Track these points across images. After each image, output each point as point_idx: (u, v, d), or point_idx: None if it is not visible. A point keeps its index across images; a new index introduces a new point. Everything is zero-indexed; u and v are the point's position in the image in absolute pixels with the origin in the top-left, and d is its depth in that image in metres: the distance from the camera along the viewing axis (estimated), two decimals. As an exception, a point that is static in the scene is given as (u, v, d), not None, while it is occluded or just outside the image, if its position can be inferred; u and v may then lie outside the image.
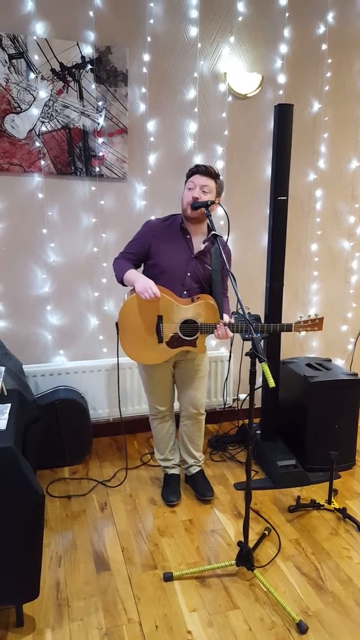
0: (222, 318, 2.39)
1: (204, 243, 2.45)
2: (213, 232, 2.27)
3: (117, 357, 2.74)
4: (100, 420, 3.32)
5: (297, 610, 1.99)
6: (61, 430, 2.95)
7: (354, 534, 2.46)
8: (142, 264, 2.53)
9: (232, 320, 2.39)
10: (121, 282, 2.45)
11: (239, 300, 2.05)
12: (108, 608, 1.99)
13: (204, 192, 2.33)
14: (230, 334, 2.35)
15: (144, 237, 2.47)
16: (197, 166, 2.36)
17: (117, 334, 2.44)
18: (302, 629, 1.89)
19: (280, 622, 1.94)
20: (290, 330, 2.43)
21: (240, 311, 2.08)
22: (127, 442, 3.33)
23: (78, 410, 2.97)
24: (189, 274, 2.42)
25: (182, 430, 2.77)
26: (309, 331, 2.49)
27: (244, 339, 2.20)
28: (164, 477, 2.82)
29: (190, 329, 2.40)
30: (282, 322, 3.04)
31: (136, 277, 2.37)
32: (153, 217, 3.13)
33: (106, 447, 3.27)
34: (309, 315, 2.45)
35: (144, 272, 2.49)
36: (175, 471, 2.82)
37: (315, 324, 2.46)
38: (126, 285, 2.44)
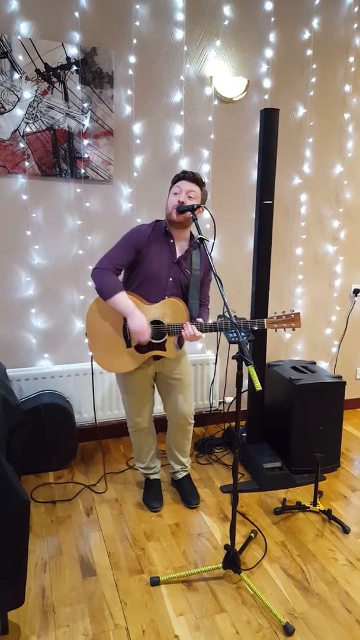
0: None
1: (189, 247, 2.43)
2: (199, 236, 2.23)
3: (92, 364, 2.63)
4: (86, 425, 3.29)
5: (284, 612, 2.00)
6: (46, 434, 2.92)
7: (339, 536, 2.48)
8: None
9: (201, 320, 2.30)
10: (104, 298, 2.31)
11: (225, 304, 2.04)
12: (94, 614, 1.97)
13: (189, 197, 2.31)
14: (199, 334, 2.26)
15: (132, 247, 2.36)
16: (184, 172, 2.35)
17: (88, 342, 2.42)
18: (288, 631, 1.89)
19: (267, 624, 1.94)
20: (263, 327, 2.23)
21: (226, 314, 2.07)
22: (112, 447, 3.31)
23: (63, 415, 2.94)
24: (170, 279, 2.38)
25: (169, 440, 2.73)
26: (286, 328, 2.21)
27: (230, 342, 2.11)
28: (145, 481, 2.79)
29: (158, 330, 2.34)
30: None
31: (130, 310, 2.27)
32: (139, 220, 3.15)
33: (92, 452, 3.24)
34: (284, 311, 2.24)
35: (127, 278, 2.44)
36: (157, 476, 2.79)
37: (290, 319, 2.21)
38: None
